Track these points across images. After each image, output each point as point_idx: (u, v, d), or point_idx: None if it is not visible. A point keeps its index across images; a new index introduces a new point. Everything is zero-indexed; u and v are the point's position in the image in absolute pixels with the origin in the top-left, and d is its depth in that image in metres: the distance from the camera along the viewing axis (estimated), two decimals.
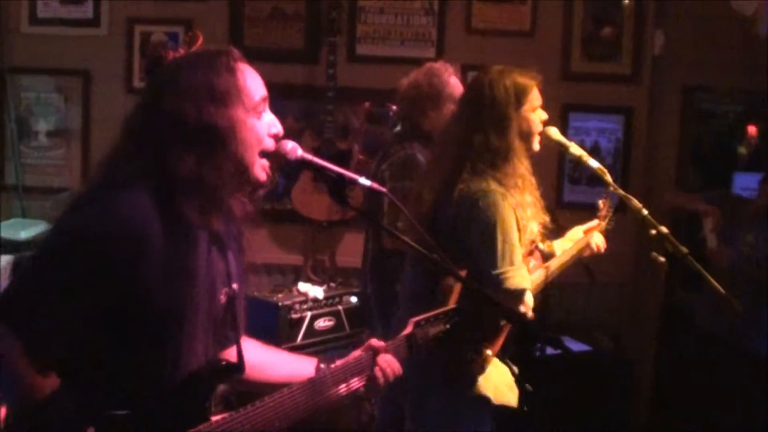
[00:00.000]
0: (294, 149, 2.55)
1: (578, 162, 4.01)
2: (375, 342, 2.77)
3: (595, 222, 4.14)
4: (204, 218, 2.39)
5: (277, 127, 2.55)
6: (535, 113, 3.73)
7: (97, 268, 2.25)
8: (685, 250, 3.55)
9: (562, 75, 6.42)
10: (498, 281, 3.42)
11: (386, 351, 2.76)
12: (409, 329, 2.86)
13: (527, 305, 3.53)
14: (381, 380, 2.72)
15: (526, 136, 3.70)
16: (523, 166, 3.64)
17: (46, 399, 2.23)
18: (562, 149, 4.01)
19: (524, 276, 3.53)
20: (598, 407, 5.54)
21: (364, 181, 2.56)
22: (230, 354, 2.61)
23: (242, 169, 2.42)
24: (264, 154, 2.49)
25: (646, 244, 5.62)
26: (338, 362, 2.69)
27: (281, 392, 2.53)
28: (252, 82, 2.49)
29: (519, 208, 3.57)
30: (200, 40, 3.41)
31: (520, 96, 3.67)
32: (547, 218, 3.74)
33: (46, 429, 2.24)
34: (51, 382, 2.25)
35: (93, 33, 6.55)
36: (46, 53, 6.53)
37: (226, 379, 2.54)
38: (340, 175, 2.55)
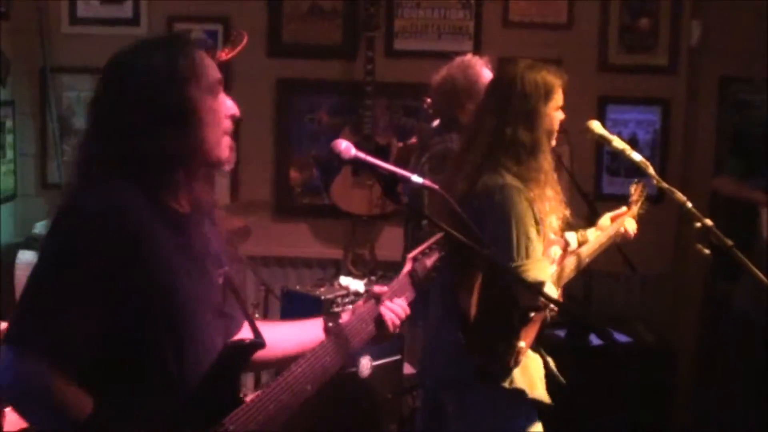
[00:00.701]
0: (348, 149, 2.59)
1: (621, 155, 4.02)
2: (377, 288, 2.83)
3: (623, 209, 4.13)
4: (183, 201, 2.45)
5: (234, 109, 2.55)
6: (557, 112, 3.75)
7: (97, 270, 2.26)
8: (729, 242, 3.55)
9: (599, 67, 6.43)
10: (515, 274, 3.44)
11: (390, 294, 2.82)
12: (408, 266, 2.90)
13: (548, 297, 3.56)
14: (390, 323, 2.77)
15: (549, 133, 3.72)
16: (546, 162, 3.66)
17: (90, 416, 2.26)
18: (605, 142, 4.03)
19: (542, 268, 3.55)
20: (640, 399, 5.55)
21: (416, 178, 2.59)
22: (243, 334, 2.66)
23: (207, 148, 2.44)
24: (226, 133, 2.51)
25: (686, 235, 5.67)
26: (345, 317, 2.78)
27: (306, 357, 2.58)
28: (208, 64, 2.48)
29: (538, 202, 3.59)
30: (245, 40, 3.47)
31: (548, 92, 3.68)
32: (567, 212, 3.75)
33: None
34: (87, 399, 2.27)
35: (133, 32, 6.58)
36: (86, 53, 6.58)
37: (250, 356, 2.50)
38: (393, 173, 2.58)
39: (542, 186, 3.60)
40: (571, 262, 3.85)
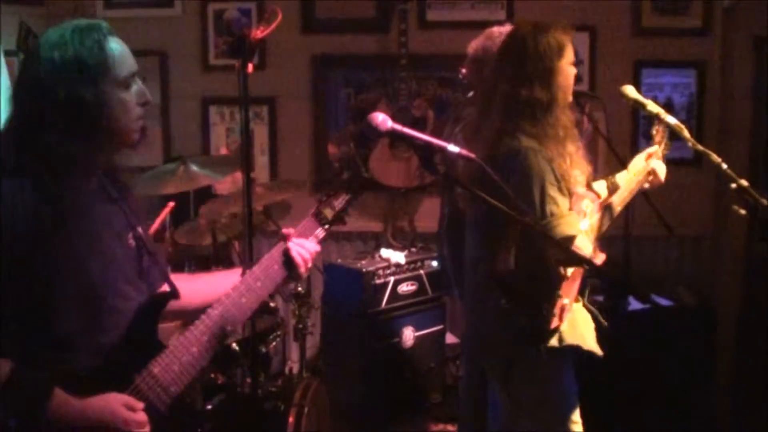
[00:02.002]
0: (384, 121, 2.64)
1: (656, 119, 4.02)
2: (284, 230, 2.98)
3: (654, 147, 4.13)
4: (89, 180, 2.63)
5: (146, 97, 2.66)
6: (570, 67, 3.76)
7: (9, 249, 2.43)
8: (766, 201, 3.55)
9: (634, 31, 6.41)
10: (544, 231, 3.47)
11: (296, 234, 2.98)
12: (312, 209, 3.06)
13: (582, 250, 3.57)
14: (297, 259, 2.92)
15: (565, 88, 3.73)
16: (565, 117, 3.67)
17: (8, 377, 2.41)
18: (640, 107, 4.03)
19: (570, 223, 3.55)
20: (682, 362, 5.55)
21: (452, 148, 2.63)
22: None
23: (113, 137, 2.59)
24: (136, 119, 2.64)
25: (724, 197, 5.66)
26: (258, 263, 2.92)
27: (221, 301, 2.79)
28: (121, 58, 2.60)
29: (558, 158, 3.59)
30: (279, 17, 3.51)
31: (561, 49, 3.69)
32: (590, 167, 3.77)
33: (17, 404, 2.44)
34: (4, 363, 2.42)
35: (168, 13, 6.68)
36: (122, 35, 6.59)
37: (163, 306, 2.76)
38: (429, 144, 2.62)
39: (562, 142, 3.61)
40: (608, 211, 3.87)
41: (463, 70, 5.07)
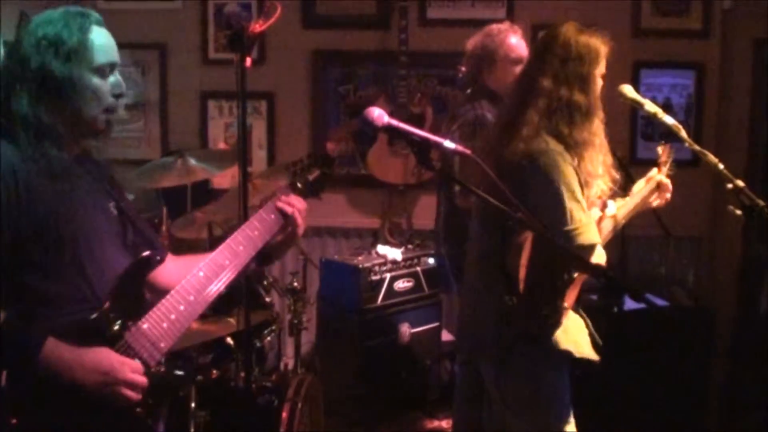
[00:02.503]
0: (381, 116, 2.64)
1: (653, 119, 4.02)
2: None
3: (654, 171, 4.13)
4: (66, 150, 2.70)
5: (121, 89, 2.77)
6: (599, 79, 3.75)
7: None
8: (761, 202, 3.56)
9: (633, 32, 6.43)
10: (570, 237, 3.44)
11: (278, 199, 3.10)
12: (286, 181, 3.18)
13: (600, 259, 3.58)
14: (290, 210, 3.10)
15: (599, 99, 3.72)
16: (600, 126, 3.66)
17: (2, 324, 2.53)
18: (637, 106, 4.03)
19: (594, 231, 3.55)
20: (677, 362, 5.56)
21: (449, 144, 2.63)
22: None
23: (80, 120, 2.70)
24: (107, 110, 2.74)
25: (721, 198, 5.67)
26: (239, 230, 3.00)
27: (206, 261, 2.87)
28: (101, 46, 2.73)
29: (587, 164, 3.58)
30: (279, 11, 3.51)
31: (598, 57, 3.69)
32: (617, 176, 3.76)
33: (10, 351, 2.50)
34: None
35: (168, 6, 6.68)
36: (122, 28, 6.58)
37: (150, 267, 2.82)
38: (426, 140, 2.62)
39: (597, 149, 3.59)
40: (608, 224, 3.87)
41: (463, 68, 5.07)
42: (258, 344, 4.86)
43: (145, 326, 2.70)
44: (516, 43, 4.77)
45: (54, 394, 2.52)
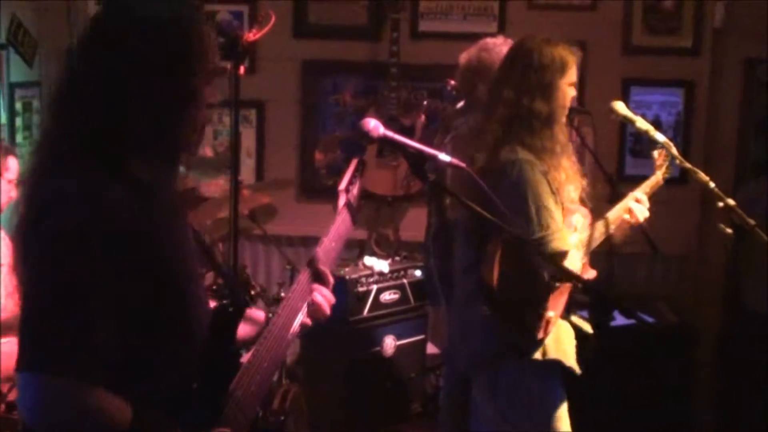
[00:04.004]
0: (376, 127, 2.63)
1: (645, 136, 4.04)
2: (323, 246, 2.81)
3: (653, 178, 4.14)
4: (146, 170, 2.28)
5: (216, 97, 2.37)
6: (570, 88, 3.79)
7: (104, 270, 2.10)
8: (752, 221, 3.58)
9: (623, 49, 6.43)
10: (540, 244, 3.49)
11: (334, 232, 2.86)
12: (343, 198, 2.94)
13: (572, 264, 3.60)
14: (322, 305, 2.72)
15: (561, 108, 3.76)
16: (561, 133, 3.72)
17: (131, 425, 2.16)
18: (629, 123, 4.05)
19: (563, 238, 3.59)
20: (660, 379, 5.57)
21: (444, 157, 2.63)
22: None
23: (193, 130, 2.32)
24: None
25: (709, 216, 5.69)
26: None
27: (282, 306, 2.61)
28: (213, 49, 2.33)
29: (553, 172, 3.64)
30: (273, 20, 3.51)
31: (563, 67, 3.73)
32: (584, 182, 3.79)
33: None
34: (125, 405, 2.16)
35: None
36: None
37: (239, 318, 2.51)
38: (421, 152, 2.62)
39: (558, 156, 3.65)
40: (599, 227, 3.88)
41: (452, 82, 5.08)
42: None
43: (238, 394, 2.40)
44: None
45: None
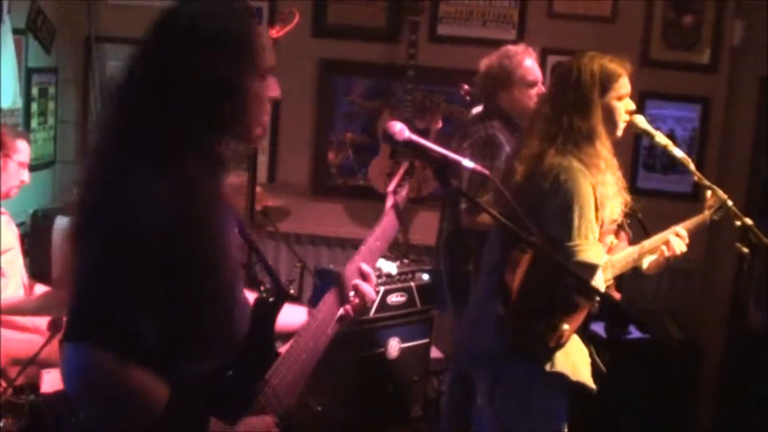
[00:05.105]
0: (402, 131, 2.64)
1: (663, 151, 4.04)
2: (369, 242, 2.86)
3: (699, 217, 4.14)
4: (217, 170, 2.43)
5: (277, 92, 2.53)
6: (622, 102, 3.78)
7: (156, 253, 2.22)
8: None
9: (641, 62, 6.41)
10: (570, 253, 3.49)
11: (379, 232, 2.89)
12: (391, 200, 2.95)
13: (597, 282, 3.59)
14: (363, 299, 2.76)
15: (610, 122, 3.75)
16: (605, 149, 3.69)
17: (166, 407, 2.26)
18: (648, 137, 4.05)
19: (598, 252, 3.59)
20: (662, 395, 5.57)
21: (467, 163, 2.63)
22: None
23: (245, 126, 2.43)
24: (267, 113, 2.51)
25: (718, 233, 5.68)
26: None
27: (324, 301, 2.66)
28: (267, 46, 2.48)
29: (600, 186, 3.63)
30: (297, 18, 3.51)
31: (605, 83, 3.73)
32: (628, 197, 3.79)
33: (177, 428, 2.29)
34: (161, 384, 2.27)
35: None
36: (131, 23, 6.60)
37: (279, 309, 2.58)
38: (445, 157, 2.62)
39: (603, 172, 3.64)
40: (632, 253, 3.88)
41: (465, 86, 5.09)
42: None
43: (274, 382, 2.50)
44: (531, 65, 4.80)
45: None
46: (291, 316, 2.71)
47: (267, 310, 2.55)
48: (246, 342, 2.47)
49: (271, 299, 2.57)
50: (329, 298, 2.68)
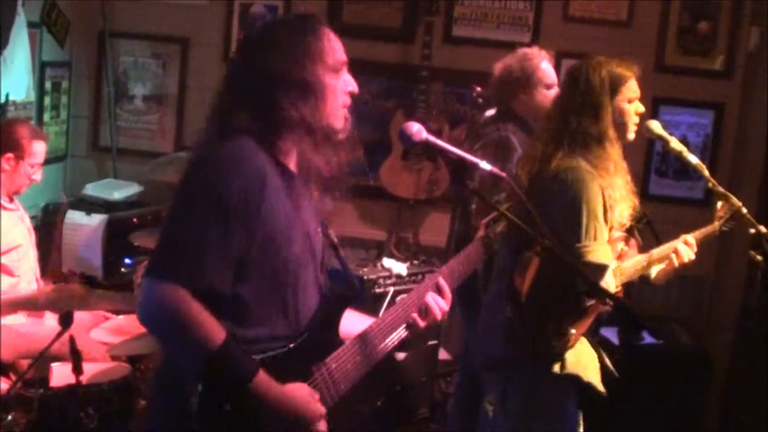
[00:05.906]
0: (419, 131, 2.66)
1: (677, 157, 4.04)
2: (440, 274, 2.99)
3: (710, 227, 4.13)
4: (293, 161, 2.70)
5: (353, 86, 2.80)
6: (631, 104, 3.78)
7: (230, 206, 2.47)
8: None
9: (656, 67, 6.40)
10: (579, 254, 3.48)
11: (458, 262, 3.05)
12: (482, 231, 3.12)
13: (607, 284, 3.58)
14: (434, 309, 2.91)
15: (620, 125, 3.74)
16: (615, 152, 3.69)
17: (222, 345, 2.44)
18: (663, 143, 4.05)
19: (606, 253, 3.57)
20: (671, 402, 5.56)
21: (484, 165, 2.63)
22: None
23: (324, 119, 2.68)
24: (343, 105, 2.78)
25: (729, 240, 5.66)
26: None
27: (393, 307, 2.90)
28: (335, 45, 2.76)
29: (608, 189, 3.62)
30: None
31: (615, 86, 3.73)
32: (636, 201, 3.78)
33: (224, 376, 2.46)
34: (220, 328, 2.46)
35: (194, 2, 6.66)
36: (145, 19, 6.66)
37: (347, 305, 2.84)
38: (462, 159, 2.62)
39: (612, 175, 3.63)
40: (641, 260, 3.88)
41: (478, 88, 5.07)
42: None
43: (333, 366, 2.69)
44: (548, 68, 4.79)
45: (249, 426, 2.52)
46: (356, 324, 2.87)
47: (336, 301, 2.79)
48: (310, 324, 2.67)
49: (340, 294, 2.83)
50: (401, 304, 2.88)
